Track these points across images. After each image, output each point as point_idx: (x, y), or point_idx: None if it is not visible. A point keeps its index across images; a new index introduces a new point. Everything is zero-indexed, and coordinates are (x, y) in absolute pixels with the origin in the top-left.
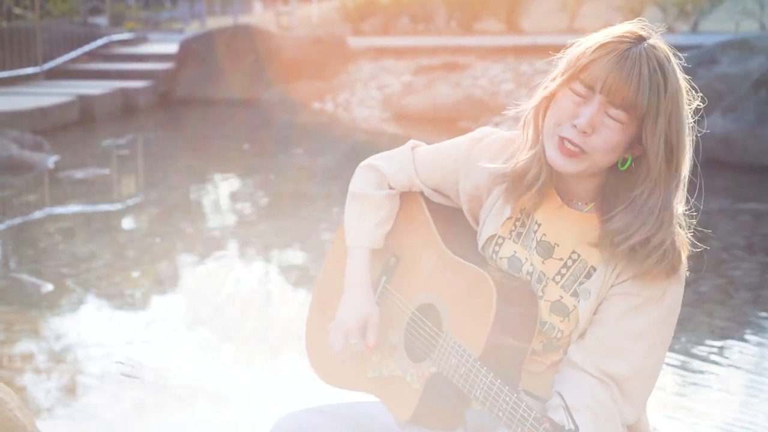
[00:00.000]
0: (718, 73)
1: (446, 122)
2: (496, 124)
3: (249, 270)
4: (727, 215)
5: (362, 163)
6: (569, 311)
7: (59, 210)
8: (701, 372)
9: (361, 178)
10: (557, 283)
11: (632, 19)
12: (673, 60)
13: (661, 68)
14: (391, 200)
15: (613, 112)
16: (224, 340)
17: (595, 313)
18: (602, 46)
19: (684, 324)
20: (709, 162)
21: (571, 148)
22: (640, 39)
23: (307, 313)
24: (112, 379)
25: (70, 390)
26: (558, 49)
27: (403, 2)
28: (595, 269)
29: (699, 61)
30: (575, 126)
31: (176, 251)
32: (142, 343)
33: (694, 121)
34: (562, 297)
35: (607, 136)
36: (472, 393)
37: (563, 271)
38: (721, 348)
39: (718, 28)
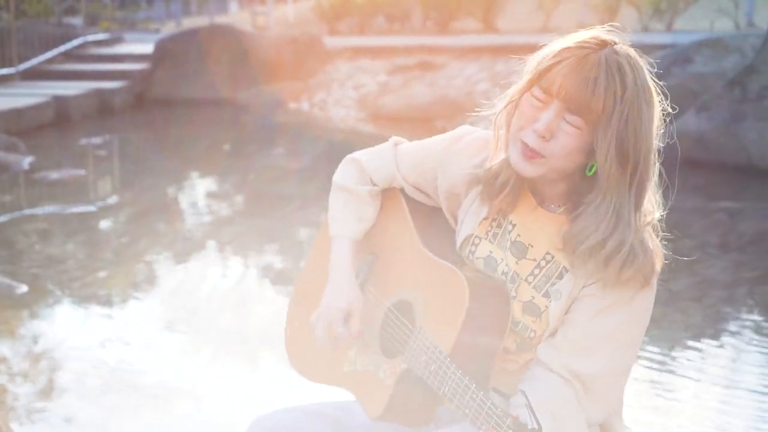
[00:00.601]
0: (692, 72)
1: (422, 122)
2: (473, 124)
3: (225, 270)
4: (702, 214)
5: (347, 157)
6: (541, 312)
7: (34, 211)
8: (675, 370)
9: (345, 171)
10: (530, 283)
11: (608, 18)
12: (639, 65)
13: (619, 73)
14: (373, 197)
15: (570, 117)
16: (201, 340)
17: (566, 313)
18: (562, 51)
19: (658, 322)
20: (683, 161)
21: (530, 153)
22: (603, 44)
23: (287, 307)
24: (89, 380)
25: (47, 391)
26: (534, 48)
27: (378, 2)
28: (567, 270)
29: (673, 60)
30: (534, 131)
31: (152, 252)
32: (119, 344)
33: (667, 124)
34: (533, 297)
35: (565, 142)
36: (441, 390)
37: (536, 271)
38: (695, 346)
39: (693, 26)
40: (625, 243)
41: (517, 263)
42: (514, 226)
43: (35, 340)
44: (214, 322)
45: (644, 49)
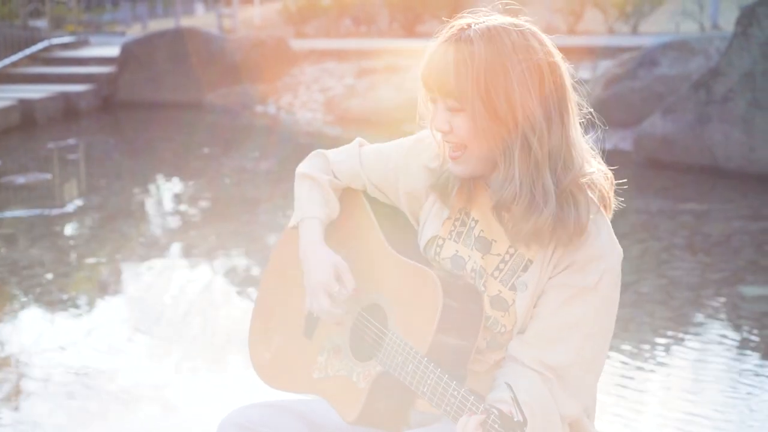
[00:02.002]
0: (658, 74)
1: (389, 125)
2: None
3: (192, 274)
4: (668, 215)
5: (313, 152)
6: (509, 305)
7: (0, 215)
8: (643, 372)
9: (310, 162)
10: (496, 278)
11: (573, 21)
12: (495, 33)
13: (468, 46)
14: (335, 189)
15: (449, 102)
16: (168, 344)
17: (534, 307)
18: (431, 47)
19: (625, 325)
20: (649, 162)
21: (450, 150)
22: (461, 29)
23: (250, 319)
24: (56, 385)
25: (13, 396)
26: None
27: (345, 4)
28: (531, 262)
29: (639, 62)
30: (437, 130)
31: (119, 256)
32: (86, 349)
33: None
34: (500, 291)
35: (461, 126)
36: (420, 389)
37: (501, 266)
38: (662, 348)
39: (659, 29)
40: (535, 196)
41: (482, 258)
42: (476, 222)
43: (1, 345)
44: (180, 326)
45: (610, 51)
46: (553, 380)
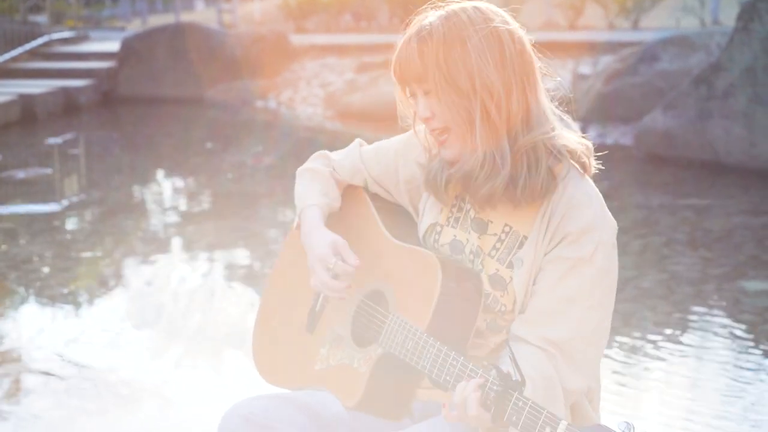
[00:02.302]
0: (658, 69)
1: (389, 120)
2: None
3: (192, 270)
4: (669, 211)
5: (315, 154)
6: (506, 283)
7: (1, 210)
8: (644, 367)
9: (310, 161)
10: (493, 257)
11: (573, 16)
12: (452, 13)
13: (427, 28)
14: (336, 180)
15: (423, 87)
16: (168, 340)
17: (533, 285)
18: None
19: (627, 319)
20: (650, 158)
21: (436, 136)
22: (421, 18)
23: (255, 321)
24: (56, 380)
25: (13, 391)
26: None
27: None
28: (526, 238)
29: (640, 57)
30: (420, 119)
31: (119, 251)
32: (86, 344)
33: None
34: (498, 270)
35: (440, 110)
36: (420, 364)
37: (498, 245)
38: (663, 343)
39: (659, 24)
40: (496, 159)
41: (479, 238)
42: (472, 204)
43: (1, 339)
44: (180, 322)
45: (611, 46)
46: (557, 355)
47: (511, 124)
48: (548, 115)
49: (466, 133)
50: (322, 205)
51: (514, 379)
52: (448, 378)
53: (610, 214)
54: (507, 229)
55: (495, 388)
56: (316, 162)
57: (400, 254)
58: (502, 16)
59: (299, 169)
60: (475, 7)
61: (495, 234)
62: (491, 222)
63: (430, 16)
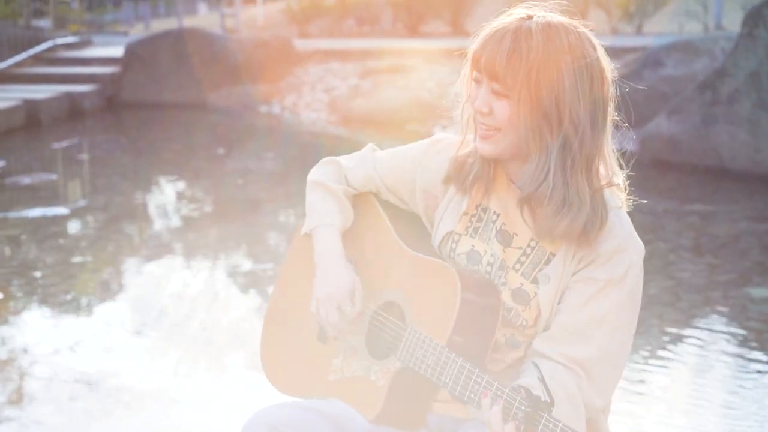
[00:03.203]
0: (663, 75)
1: (394, 125)
2: (444, 127)
3: (195, 274)
4: (674, 216)
5: (325, 158)
6: (530, 298)
7: (5, 216)
8: (650, 374)
9: (321, 170)
10: (517, 270)
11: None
12: (555, 30)
13: (527, 38)
14: (348, 198)
15: (494, 86)
16: (171, 344)
17: (558, 303)
18: (487, 29)
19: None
20: (654, 163)
21: (483, 132)
22: (523, 18)
23: (262, 326)
24: (59, 384)
25: (17, 396)
26: None
27: (348, 4)
28: (554, 255)
29: (644, 63)
30: (475, 109)
31: (123, 256)
32: (88, 349)
33: (616, 84)
34: (522, 284)
35: (502, 111)
36: (442, 380)
37: (522, 259)
38: (671, 350)
39: (662, 29)
40: (570, 193)
41: (504, 251)
42: (498, 215)
43: (5, 344)
44: (183, 326)
45: (614, 51)
46: (581, 374)
47: (588, 163)
48: (613, 155)
49: (524, 147)
50: (339, 226)
51: (543, 400)
52: (471, 396)
53: (638, 236)
54: (533, 243)
55: (523, 408)
56: (328, 172)
57: (416, 265)
58: (597, 50)
59: (310, 179)
60: (577, 33)
61: (520, 247)
62: (516, 235)
63: (533, 24)
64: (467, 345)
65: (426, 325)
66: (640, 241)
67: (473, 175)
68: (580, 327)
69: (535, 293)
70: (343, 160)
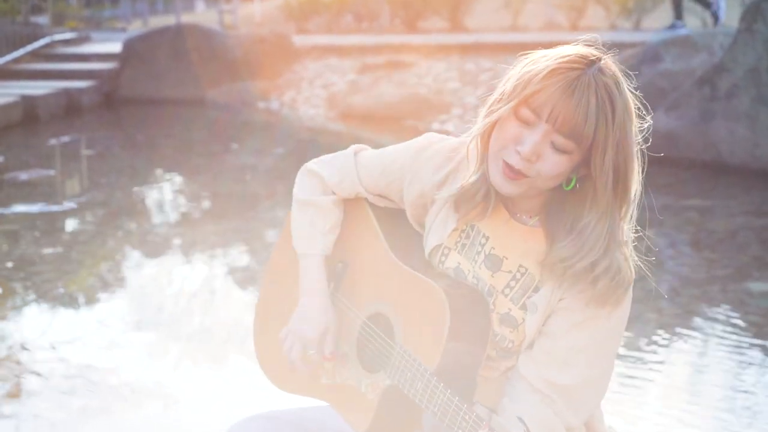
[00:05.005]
0: (661, 70)
1: (392, 121)
2: (443, 123)
3: (194, 271)
4: (672, 212)
5: (304, 168)
6: (518, 323)
7: (3, 212)
8: (649, 369)
9: (305, 184)
10: (506, 296)
11: (575, 17)
12: (623, 83)
13: (609, 97)
14: (337, 206)
15: (560, 141)
16: (170, 340)
17: (543, 325)
18: (551, 72)
19: (632, 321)
20: (652, 158)
21: (513, 174)
22: (590, 64)
23: (253, 319)
24: (58, 380)
25: (16, 391)
26: (502, 47)
27: (346, 0)
28: (543, 283)
29: (642, 58)
30: (518, 152)
31: (121, 252)
32: (88, 345)
33: (643, 139)
34: (510, 310)
35: (553, 164)
36: (429, 408)
37: (512, 284)
38: (669, 344)
39: (661, 25)
40: (614, 263)
41: (492, 276)
42: (487, 238)
43: (4, 340)
44: (182, 323)
45: (613, 47)
46: (558, 400)
47: (623, 211)
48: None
49: (544, 191)
50: (326, 249)
51: None
52: (458, 431)
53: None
54: (522, 270)
55: None
56: (311, 186)
57: (406, 281)
58: (633, 98)
59: (296, 197)
60: (630, 91)
61: (510, 272)
62: (506, 259)
63: (609, 81)
64: (456, 368)
65: (414, 347)
66: (631, 270)
67: (478, 205)
68: (562, 354)
69: (523, 319)
70: (324, 172)
